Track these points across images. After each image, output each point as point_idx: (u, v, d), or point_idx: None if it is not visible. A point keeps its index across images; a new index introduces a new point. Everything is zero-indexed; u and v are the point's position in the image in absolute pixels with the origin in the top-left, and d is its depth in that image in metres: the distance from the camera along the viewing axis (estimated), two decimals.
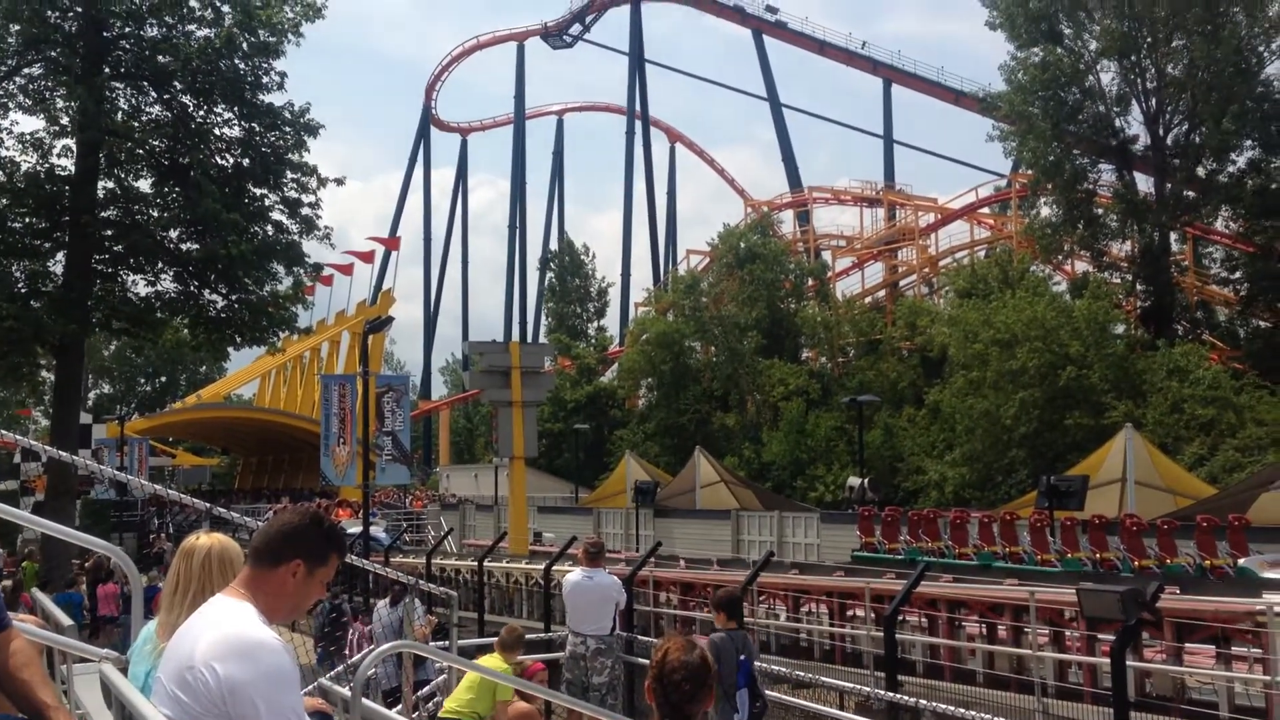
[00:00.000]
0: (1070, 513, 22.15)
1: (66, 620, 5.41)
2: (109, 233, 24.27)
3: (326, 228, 25.87)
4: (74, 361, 25.43)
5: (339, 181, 26.42)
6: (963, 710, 8.31)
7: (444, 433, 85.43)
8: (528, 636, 11.13)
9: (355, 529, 27.57)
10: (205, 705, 2.92)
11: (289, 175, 25.16)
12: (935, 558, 20.99)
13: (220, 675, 2.92)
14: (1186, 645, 12.52)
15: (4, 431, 7.87)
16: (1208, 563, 18.78)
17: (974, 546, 22.34)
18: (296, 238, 25.32)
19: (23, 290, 23.32)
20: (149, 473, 54.39)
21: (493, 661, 8.54)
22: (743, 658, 8.03)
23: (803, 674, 10.50)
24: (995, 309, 42.82)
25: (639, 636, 12.55)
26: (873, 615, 15.40)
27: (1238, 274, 48.64)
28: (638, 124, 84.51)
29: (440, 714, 8.21)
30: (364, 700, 5.89)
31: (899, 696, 9.16)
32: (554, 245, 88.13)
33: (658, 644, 3.65)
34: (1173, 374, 38.84)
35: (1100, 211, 48.31)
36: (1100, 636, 12.58)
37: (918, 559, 19.27)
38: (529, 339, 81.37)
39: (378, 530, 29.88)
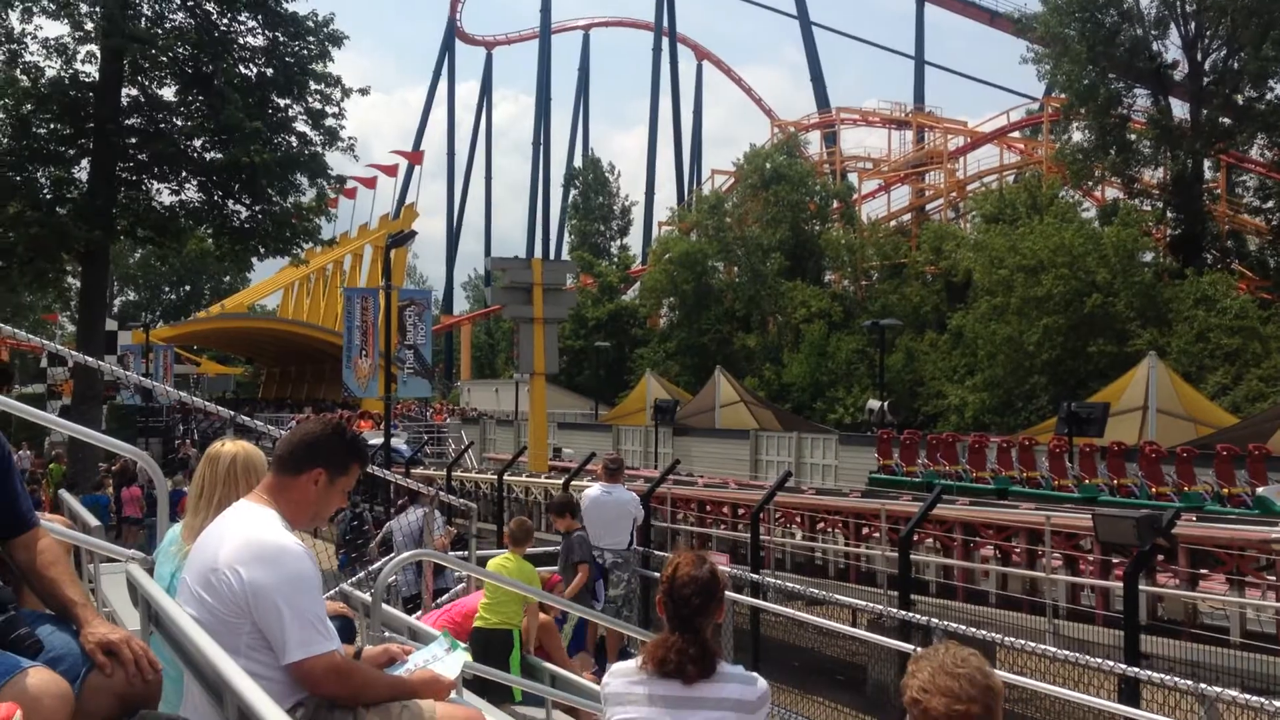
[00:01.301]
0: (1090, 439, 22.13)
1: (94, 521, 5.50)
2: (133, 140, 24.21)
3: (350, 139, 25.78)
4: (99, 268, 25.58)
5: (363, 91, 26.36)
6: (973, 629, 8.42)
7: (465, 347, 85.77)
8: (546, 550, 11.29)
9: (376, 440, 27.87)
10: (229, 606, 2.98)
11: (312, 86, 25.00)
12: (952, 481, 21.05)
13: (244, 578, 2.97)
14: (1200, 571, 12.59)
15: (31, 336, 7.96)
16: (1226, 491, 18.76)
17: (991, 471, 22.37)
18: (320, 149, 25.24)
19: (48, 197, 23.38)
20: (174, 380, 54.98)
21: (505, 558, 8.66)
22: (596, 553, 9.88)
23: (817, 591, 10.62)
24: (1022, 234, 42.41)
25: (655, 552, 12.69)
26: (888, 537, 15.51)
27: (1270, 203, 47.94)
28: (665, 40, 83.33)
29: (474, 624, 8.35)
30: (384, 605, 6.01)
31: (911, 615, 9.27)
32: (578, 163, 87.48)
33: (669, 559, 3.73)
34: (1200, 303, 38.52)
35: (1133, 137, 47.51)
36: (1114, 561, 12.65)
37: (934, 482, 19.31)
38: (551, 256, 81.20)
39: (399, 442, 30.15)
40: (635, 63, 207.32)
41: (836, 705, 10.65)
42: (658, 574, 4.01)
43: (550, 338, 31.19)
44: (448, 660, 3.44)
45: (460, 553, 9.88)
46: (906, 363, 49.17)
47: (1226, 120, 45.42)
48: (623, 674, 3.61)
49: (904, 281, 55.07)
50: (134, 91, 24.28)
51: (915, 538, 13.07)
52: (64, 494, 8.38)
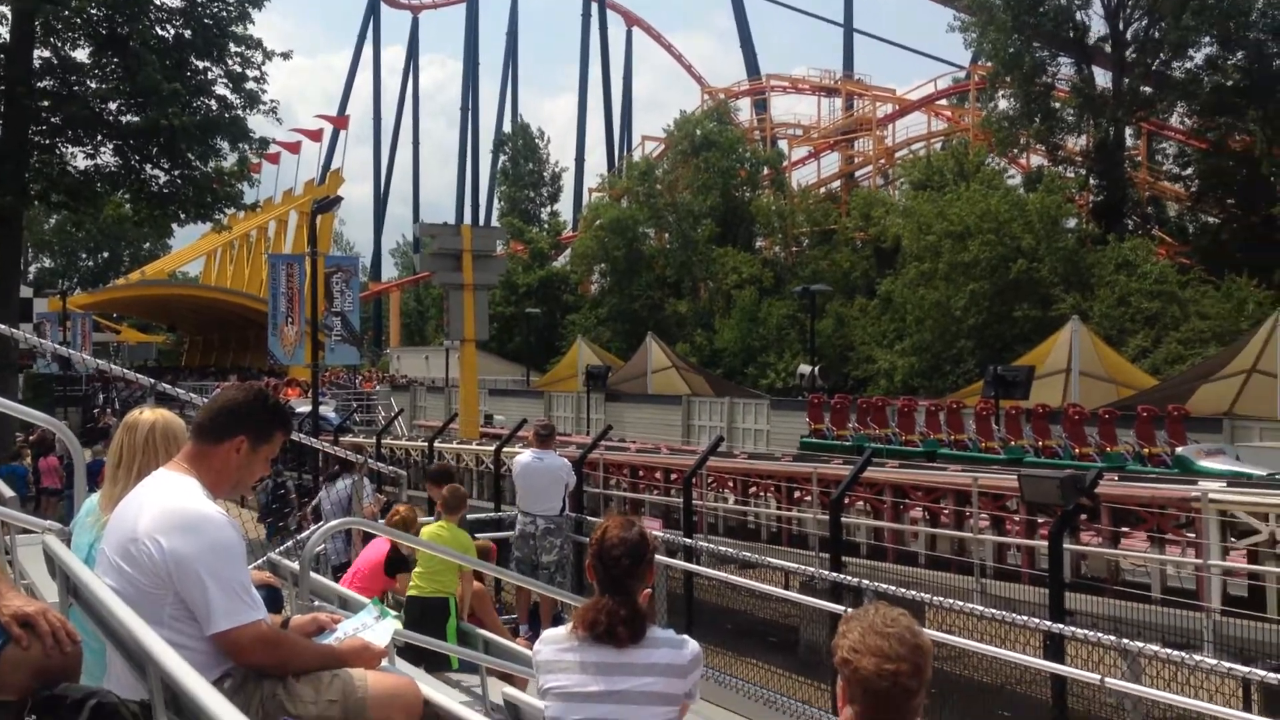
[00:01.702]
0: (1015, 402, 22.54)
1: (9, 492, 5.33)
2: (45, 103, 23.48)
3: (272, 102, 25.23)
4: (12, 234, 24.81)
5: (285, 55, 25.72)
6: (903, 590, 8.52)
7: (394, 314, 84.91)
8: (479, 517, 11.22)
9: (304, 408, 27.53)
10: (149, 577, 2.91)
11: (232, 48, 24.40)
12: (882, 445, 21.34)
13: (165, 548, 2.90)
14: (1122, 530, 12.88)
15: None
16: (1146, 451, 19.24)
17: (920, 434, 22.71)
18: (240, 112, 24.68)
19: None
20: (93, 348, 53.76)
21: (439, 526, 8.59)
22: None
23: (749, 555, 10.69)
24: (949, 201, 42.89)
25: (588, 518, 12.68)
26: (819, 500, 15.66)
27: (1189, 170, 48.99)
28: (594, 6, 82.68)
29: (409, 593, 8.28)
30: (313, 574, 5.93)
31: (842, 577, 9.35)
32: (507, 128, 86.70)
33: (598, 523, 3.74)
34: (1121, 268, 39.30)
35: (1058, 105, 48.22)
36: (1039, 521, 12.90)
37: (865, 445, 19.54)
38: (481, 222, 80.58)
39: (327, 410, 29.84)
40: (564, 27, 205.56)
41: (769, 667, 10.74)
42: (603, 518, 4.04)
43: (480, 304, 30.96)
44: (377, 628, 3.38)
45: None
46: (837, 328, 49.60)
47: (1148, 89, 46.25)
48: (553, 640, 3.58)
49: (834, 248, 55.46)
50: (46, 53, 23.52)
51: (846, 501, 13.18)
52: None
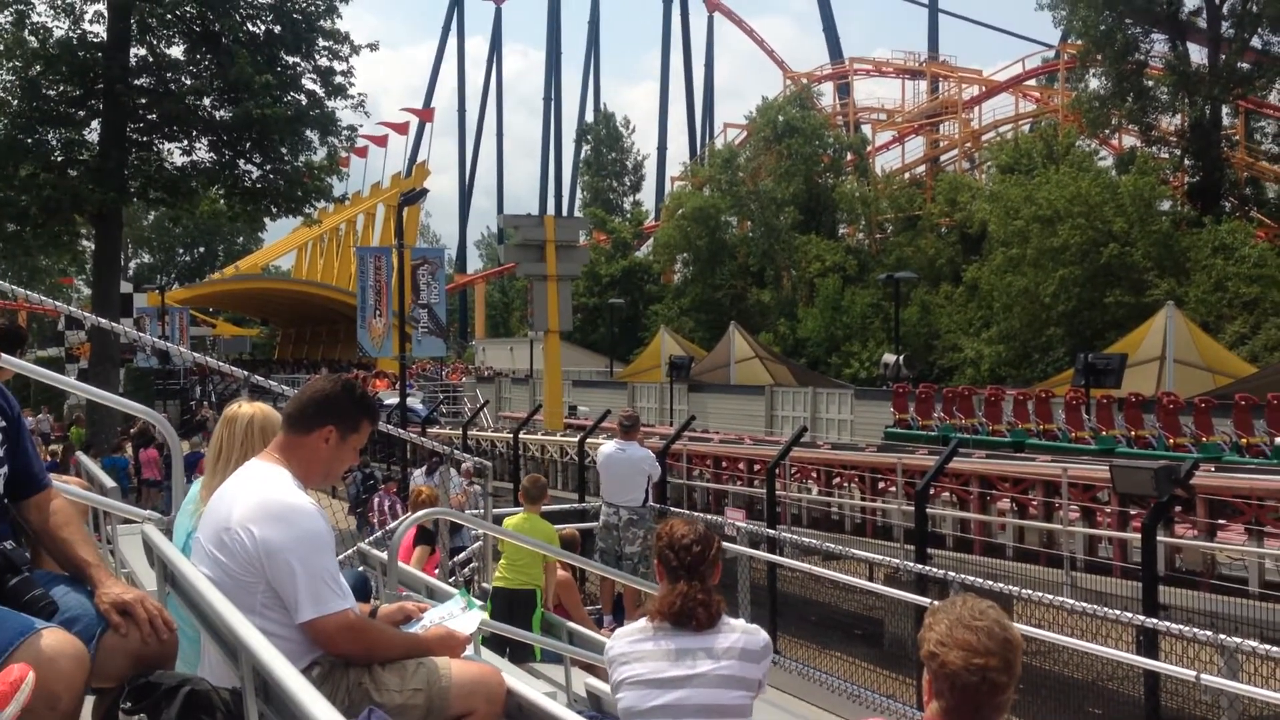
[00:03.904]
0: (1107, 391, 22.04)
1: (110, 482, 5.52)
2: (142, 100, 24.16)
3: (360, 94, 25.69)
4: (113, 230, 25.60)
5: (372, 47, 26.16)
6: (990, 582, 8.41)
7: (479, 306, 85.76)
8: (563, 507, 11.31)
9: (392, 400, 27.95)
10: (242, 565, 2.98)
11: (320, 42, 24.90)
12: (968, 435, 21.00)
13: (256, 537, 2.97)
14: (1219, 522, 12.54)
15: (45, 299, 7.96)
16: (1244, 441, 18.69)
17: (1008, 424, 22.31)
18: (329, 102, 25.18)
19: (59, 159, 23.42)
20: (190, 342, 55.19)
21: (521, 518, 8.69)
22: None
23: (833, 546, 10.62)
24: (1038, 184, 42.05)
25: (672, 508, 12.72)
26: (904, 491, 15.49)
27: None
28: None
29: (495, 584, 8.40)
30: (400, 564, 6.03)
31: (927, 568, 9.26)
32: (590, 118, 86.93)
33: (659, 529, 3.90)
34: (1218, 251, 38.20)
35: (1150, 84, 46.91)
36: (1132, 513, 12.62)
37: (951, 436, 19.25)
38: (564, 213, 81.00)
39: (414, 401, 30.27)
40: (645, 14, 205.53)
41: (854, 659, 10.69)
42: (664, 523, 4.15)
43: (564, 295, 31.07)
44: (463, 618, 3.43)
45: (476, 511, 9.92)
46: (922, 316, 48.99)
47: (1245, 65, 44.77)
48: (627, 635, 3.66)
49: (919, 234, 54.74)
50: (142, 51, 24.21)
51: (931, 491, 13.05)
52: (81, 456, 8.43)
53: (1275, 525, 12.03)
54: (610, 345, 58.10)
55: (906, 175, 63.55)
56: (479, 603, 3.60)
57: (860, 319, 51.55)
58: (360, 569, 6.45)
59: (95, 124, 24.10)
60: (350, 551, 7.03)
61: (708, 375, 39.69)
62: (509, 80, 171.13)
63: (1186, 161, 47.30)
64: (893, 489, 16.36)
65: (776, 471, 13.84)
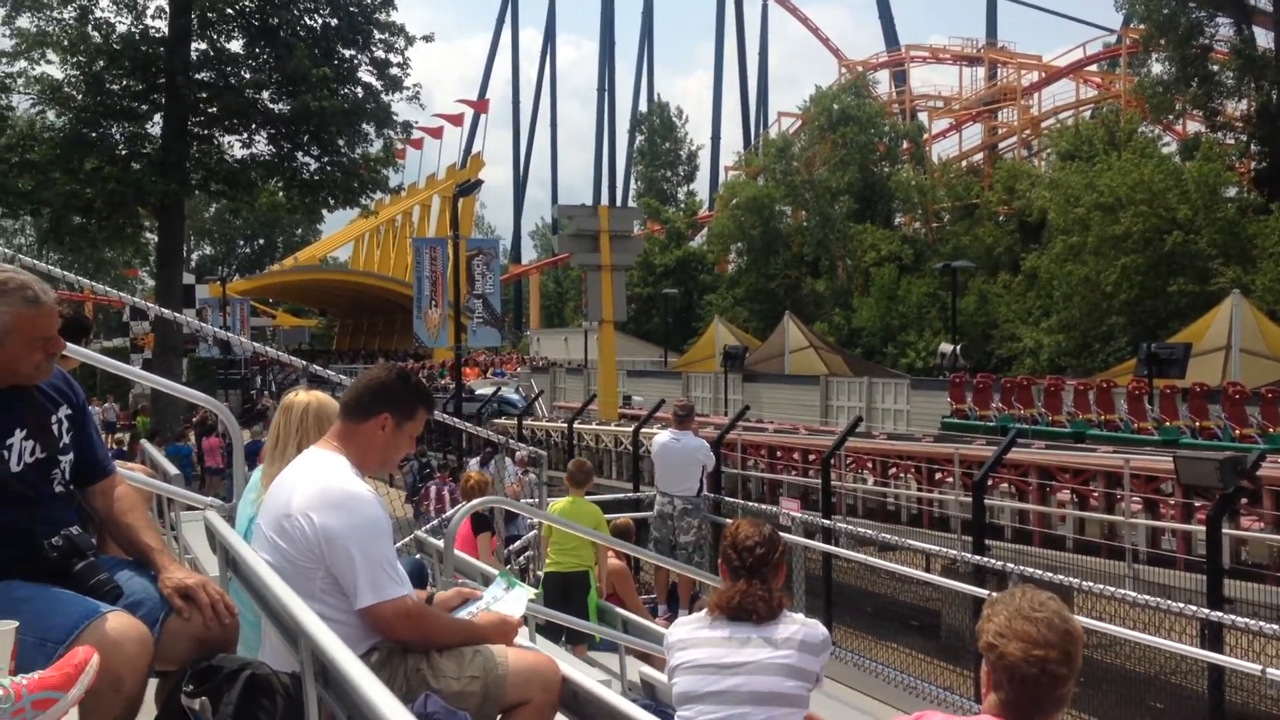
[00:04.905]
0: (1170, 381, 21.64)
1: (173, 470, 5.62)
2: (203, 94, 24.56)
3: (415, 86, 25.92)
4: (175, 222, 26.05)
5: (427, 39, 26.47)
6: (1049, 574, 8.31)
7: (534, 296, 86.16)
8: (618, 497, 11.34)
9: (487, 390, 28.17)
10: (302, 551, 3.02)
11: (376, 35, 25.16)
12: (1027, 425, 20.74)
13: (316, 524, 3.01)
14: None
15: (110, 290, 8.12)
16: None
17: (1068, 414, 21.98)
18: (385, 95, 25.43)
19: (123, 152, 23.85)
20: (250, 332, 56.02)
21: (565, 502, 8.74)
22: None
23: (889, 537, 10.54)
24: (1099, 171, 41.37)
25: (726, 498, 12.69)
26: (961, 482, 15.34)
27: None
28: None
29: (547, 569, 8.47)
30: (455, 551, 6.08)
31: (986, 560, 9.17)
32: (643, 108, 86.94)
33: (726, 527, 3.87)
34: None
35: (1215, 68, 45.94)
36: (1196, 505, 12.41)
37: (1009, 426, 19.02)
38: (618, 203, 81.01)
39: (510, 392, 30.46)
40: (699, 4, 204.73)
41: (911, 651, 10.62)
42: (729, 520, 4.15)
43: (618, 285, 31.13)
44: (509, 599, 3.45)
45: (531, 499, 9.97)
46: (979, 305, 48.46)
47: None
48: (687, 623, 3.67)
49: (976, 223, 54.10)
50: (202, 45, 24.61)
51: (990, 482, 12.92)
52: (145, 444, 8.58)
53: None
54: (664, 335, 58.11)
55: (964, 163, 62.84)
56: (520, 582, 3.61)
57: (916, 309, 51.12)
58: (418, 556, 6.52)
59: (157, 118, 24.53)
60: (408, 539, 7.10)
61: (762, 365, 39.55)
62: (562, 71, 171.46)
63: (1253, 147, 46.29)
64: (949, 480, 16.21)
65: (831, 462, 13.77)
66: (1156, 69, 48.59)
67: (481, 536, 8.54)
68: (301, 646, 2.50)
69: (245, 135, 25.34)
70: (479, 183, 30.50)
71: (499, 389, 27.17)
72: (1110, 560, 12.95)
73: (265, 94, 24.83)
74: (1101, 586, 7.84)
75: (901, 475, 18.01)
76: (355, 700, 2.18)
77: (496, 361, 29.65)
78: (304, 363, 8.16)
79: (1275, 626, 6.88)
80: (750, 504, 13.42)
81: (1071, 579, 8.13)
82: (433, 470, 14.39)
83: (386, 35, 25.23)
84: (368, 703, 2.11)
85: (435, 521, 8.20)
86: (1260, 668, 6.78)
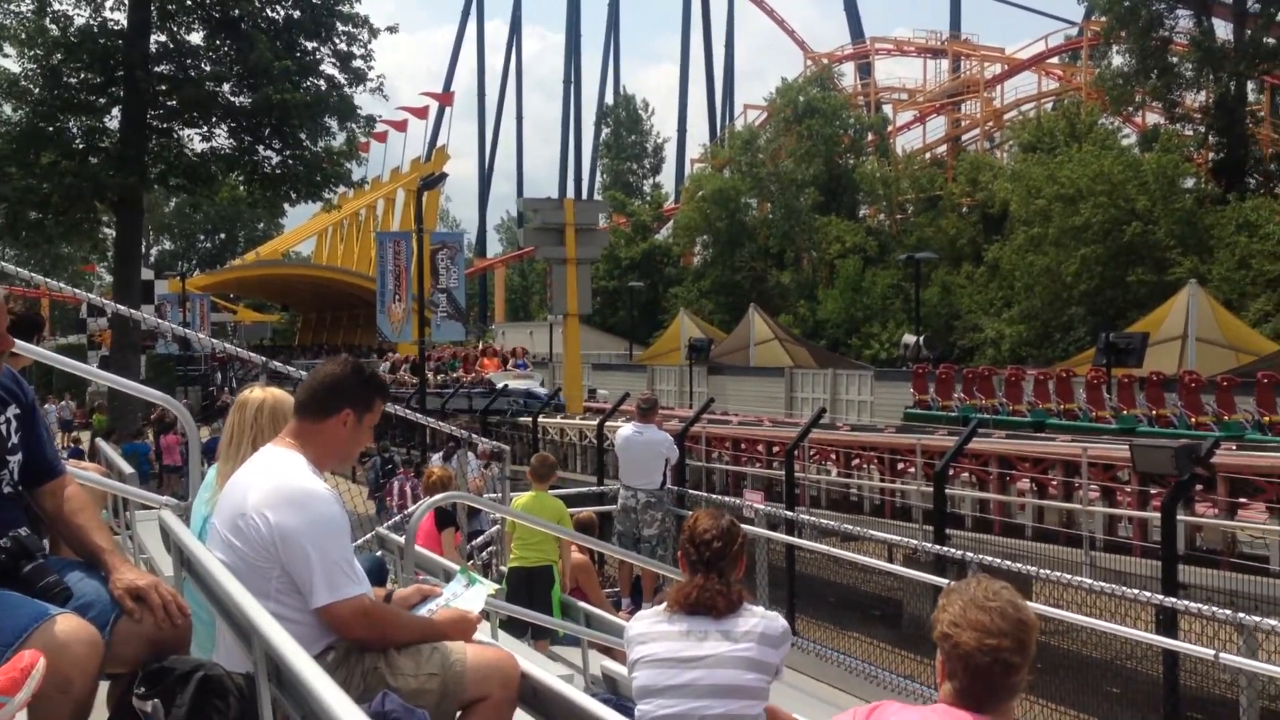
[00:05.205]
0: (1128, 370, 21.90)
1: (128, 469, 5.58)
2: (163, 87, 24.30)
3: (379, 78, 25.78)
4: (134, 217, 25.80)
5: (391, 29, 26.31)
6: (1009, 562, 8.40)
7: (499, 290, 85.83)
8: (582, 490, 11.35)
9: (520, 384, 27.64)
10: (257, 551, 2.99)
11: (339, 27, 24.99)
12: (989, 415, 20.93)
13: (271, 522, 2.98)
14: (1240, 500, 12.48)
15: (64, 286, 8.03)
16: (1266, 419, 18.52)
17: (1029, 404, 22.20)
18: (348, 88, 25.28)
19: (80, 146, 23.59)
20: (211, 328, 55.53)
21: (530, 497, 8.74)
22: None
23: (851, 527, 10.62)
24: (1060, 163, 41.72)
25: (690, 491, 12.74)
26: (924, 472, 15.47)
27: None
28: None
29: (510, 564, 8.47)
30: (417, 547, 6.07)
31: (946, 549, 9.27)
32: (609, 100, 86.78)
33: (687, 518, 3.94)
34: (1242, 229, 37.84)
35: (1175, 60, 46.39)
36: (1152, 492, 12.58)
37: (971, 416, 19.19)
38: (584, 196, 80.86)
39: (536, 385, 29.90)
40: None
41: (872, 640, 10.71)
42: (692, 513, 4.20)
43: (583, 278, 31.07)
44: (468, 595, 3.45)
45: (493, 494, 9.96)
46: (942, 297, 48.77)
47: (1271, 40, 44.23)
48: (646, 617, 3.67)
49: (940, 214, 54.43)
50: (162, 38, 24.37)
51: (951, 472, 13.04)
52: (100, 443, 8.51)
53: None
54: (630, 328, 58.09)
55: (928, 155, 63.12)
56: (481, 579, 3.60)
57: (880, 300, 51.36)
58: (379, 554, 6.51)
59: (116, 111, 24.27)
60: (369, 536, 7.08)
61: (727, 357, 39.66)
62: (528, 63, 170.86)
63: (1211, 138, 46.80)
64: (912, 470, 16.34)
65: (795, 453, 13.86)
66: (1117, 61, 48.96)
67: (445, 532, 8.52)
68: (255, 646, 2.50)
69: (205, 128, 25.11)
70: (443, 176, 30.38)
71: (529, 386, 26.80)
72: (1068, 547, 13.11)
73: (226, 87, 24.59)
74: (1059, 574, 7.94)
75: (865, 466, 18.13)
76: (309, 700, 2.17)
77: (519, 352, 29.13)
78: (263, 359, 8.11)
79: (1228, 612, 7.01)
80: (714, 496, 13.46)
81: (1029, 567, 8.23)
82: (395, 466, 14.34)
83: (350, 27, 25.06)
84: (321, 703, 2.11)
85: (398, 517, 8.18)
86: (1214, 652, 6.91)
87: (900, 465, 17.16)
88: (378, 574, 4.94)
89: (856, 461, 18.07)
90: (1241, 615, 6.84)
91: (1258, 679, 6.90)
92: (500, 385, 27.59)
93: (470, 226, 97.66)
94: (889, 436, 18.22)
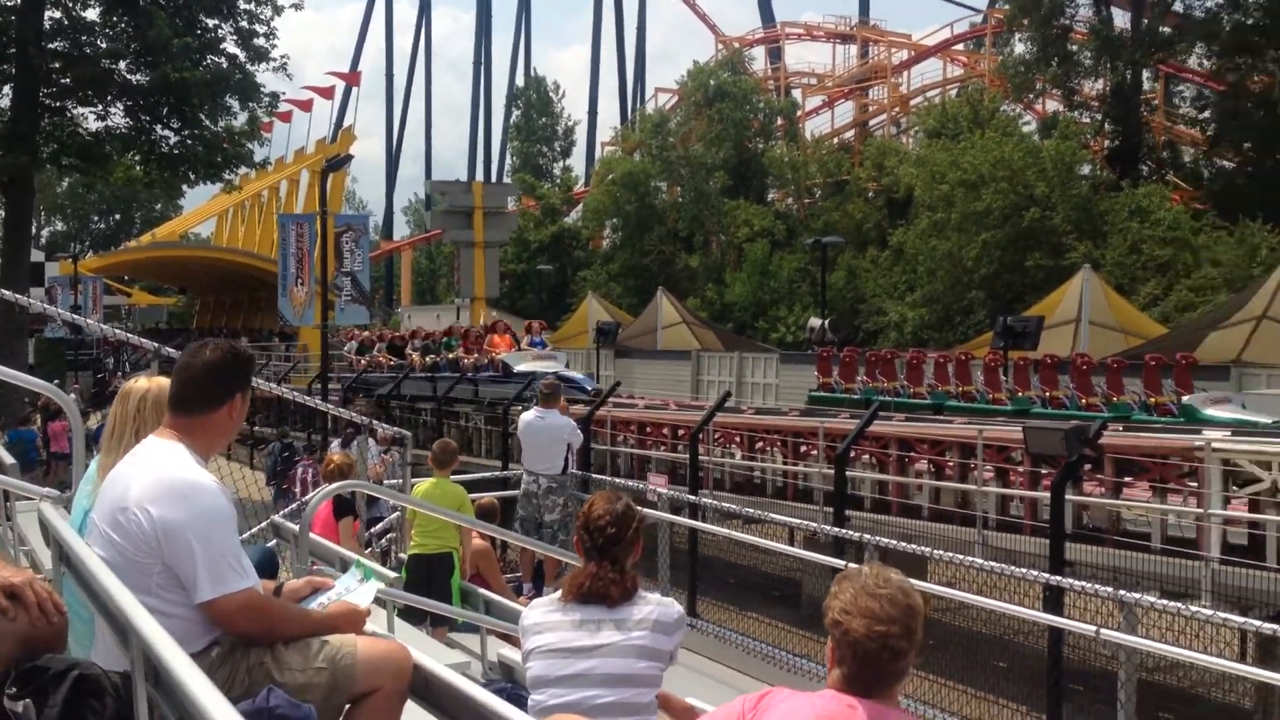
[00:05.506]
0: (1024, 353, 22.45)
1: (9, 459, 5.44)
2: (56, 64, 23.55)
3: (282, 57, 25.28)
4: (24, 198, 25.01)
5: (296, 7, 25.77)
6: (906, 543, 8.61)
7: (406, 273, 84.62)
8: (485, 475, 11.32)
9: (544, 366, 22.33)
10: (138, 546, 2.94)
11: (241, 4, 24.45)
12: (890, 398, 21.29)
13: (154, 517, 2.93)
14: (1125, 480, 12.91)
15: None
16: (1153, 400, 19.12)
17: (928, 386, 22.62)
18: (250, 66, 24.73)
19: None
20: (104, 312, 53.94)
21: (429, 484, 8.71)
22: None
23: (753, 511, 10.77)
24: (963, 149, 42.42)
25: (594, 475, 12.79)
26: (825, 454, 15.69)
27: (1206, 113, 48.29)
28: None
29: (411, 551, 8.42)
30: (312, 535, 6.02)
31: (845, 531, 9.44)
32: (520, 82, 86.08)
33: (587, 500, 3.92)
34: (1134, 215, 38.89)
35: (1075, 48, 47.49)
36: (1043, 473, 12.94)
37: (873, 399, 19.51)
38: (493, 179, 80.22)
39: (575, 372, 25.58)
40: None
41: (772, 621, 10.87)
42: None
43: (491, 261, 31.00)
44: (360, 590, 3.44)
45: (394, 481, 9.90)
46: (848, 280, 49.35)
47: (1166, 29, 45.46)
48: (539, 606, 3.69)
49: (847, 199, 55.01)
50: (57, 14, 23.60)
51: (852, 454, 13.27)
52: None
53: (1178, 482, 12.42)
54: (538, 312, 57.62)
55: (835, 140, 63.78)
56: (376, 570, 3.59)
57: (788, 283, 51.80)
58: (272, 544, 6.43)
59: (7, 89, 23.53)
60: (263, 524, 7.00)
61: (635, 341, 39.76)
62: (438, 43, 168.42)
63: (1107, 126, 48.02)
64: (814, 453, 16.57)
65: (700, 437, 13.98)
66: (1019, 49, 49.93)
67: (344, 521, 8.45)
68: (132, 644, 2.47)
69: (101, 107, 24.42)
70: (349, 157, 29.94)
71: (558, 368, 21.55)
72: (963, 527, 13.44)
73: (123, 64, 23.94)
74: (952, 555, 8.15)
75: (768, 449, 18.33)
76: (185, 701, 2.16)
77: (536, 329, 26.09)
78: (154, 344, 7.95)
79: (1109, 589, 7.28)
80: (619, 480, 13.52)
81: (924, 549, 8.44)
82: (295, 452, 14.13)
83: (252, 5, 24.54)
84: (196, 703, 2.10)
85: (294, 505, 8.08)
86: (1095, 628, 7.16)
87: (803, 448, 17.40)
88: (268, 566, 4.89)
89: (760, 444, 18.26)
90: (1123, 593, 7.10)
91: (1136, 653, 7.18)
92: (518, 368, 22.69)
93: (377, 208, 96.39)
94: (792, 419, 18.45)
